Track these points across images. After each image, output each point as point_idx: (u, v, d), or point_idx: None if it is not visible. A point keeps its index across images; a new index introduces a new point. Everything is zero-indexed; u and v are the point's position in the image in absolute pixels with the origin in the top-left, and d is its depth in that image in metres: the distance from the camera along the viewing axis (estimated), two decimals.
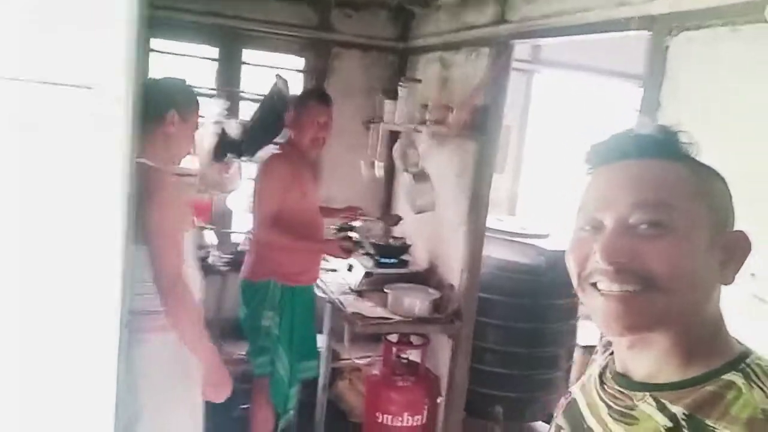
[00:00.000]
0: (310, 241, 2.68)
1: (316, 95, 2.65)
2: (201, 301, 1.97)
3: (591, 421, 0.76)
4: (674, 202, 0.66)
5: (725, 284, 0.69)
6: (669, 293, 0.65)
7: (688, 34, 1.63)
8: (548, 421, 3.70)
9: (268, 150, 2.78)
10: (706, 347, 0.68)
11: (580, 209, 0.73)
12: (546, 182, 4.40)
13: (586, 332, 3.59)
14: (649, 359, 0.70)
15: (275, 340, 2.60)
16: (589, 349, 3.74)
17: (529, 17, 2.39)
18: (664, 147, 0.69)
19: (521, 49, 3.04)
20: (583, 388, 0.82)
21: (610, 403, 0.73)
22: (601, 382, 0.78)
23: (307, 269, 2.72)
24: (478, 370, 2.98)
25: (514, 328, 3.18)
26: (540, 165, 4.30)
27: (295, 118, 2.58)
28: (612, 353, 0.78)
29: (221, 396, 1.90)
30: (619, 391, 0.73)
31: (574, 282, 0.72)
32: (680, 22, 1.65)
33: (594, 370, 0.82)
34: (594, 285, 0.69)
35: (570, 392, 0.86)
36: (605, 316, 0.68)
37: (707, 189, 0.69)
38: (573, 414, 0.81)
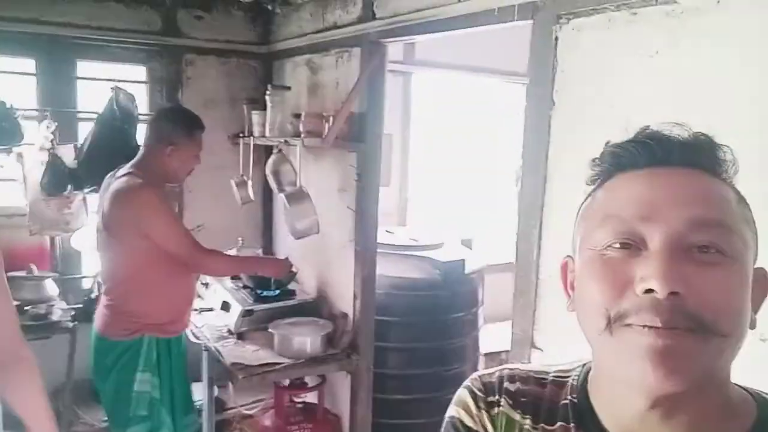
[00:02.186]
0: (253, 260, 2.51)
1: (198, 124, 2.23)
2: None
3: None
4: (731, 225, 0.55)
5: (751, 329, 0.56)
6: (722, 336, 0.53)
7: (579, 21, 1.46)
8: None
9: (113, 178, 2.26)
10: (731, 405, 0.59)
11: (602, 219, 0.57)
12: (434, 187, 4.25)
13: (488, 339, 3.47)
14: (674, 427, 0.56)
15: (155, 405, 2.17)
16: (492, 356, 3.64)
17: (399, 12, 2.16)
18: (710, 159, 0.58)
19: (395, 48, 2.82)
20: None
21: None
22: None
23: (181, 315, 2.32)
24: (381, 400, 2.71)
25: (415, 349, 2.96)
26: (426, 170, 4.14)
27: (176, 151, 2.15)
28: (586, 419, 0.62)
29: None
30: None
31: (597, 321, 0.55)
32: (568, 9, 1.47)
33: None
34: (627, 324, 0.53)
35: None
36: (646, 359, 0.52)
37: (750, 214, 0.59)
38: None
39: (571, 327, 1.54)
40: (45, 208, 2.70)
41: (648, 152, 0.58)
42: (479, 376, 0.71)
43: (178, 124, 2.17)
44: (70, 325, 2.67)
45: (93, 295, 2.77)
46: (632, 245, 0.55)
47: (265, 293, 2.62)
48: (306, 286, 2.82)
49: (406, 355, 2.95)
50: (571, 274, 0.63)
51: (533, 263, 1.59)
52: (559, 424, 0.63)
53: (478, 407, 0.68)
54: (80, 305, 2.80)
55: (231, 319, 2.55)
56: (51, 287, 2.79)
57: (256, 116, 2.79)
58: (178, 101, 2.95)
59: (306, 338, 2.34)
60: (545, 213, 1.56)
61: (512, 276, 4.25)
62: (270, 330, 2.38)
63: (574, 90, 1.49)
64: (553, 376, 0.68)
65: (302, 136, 2.43)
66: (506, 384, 0.69)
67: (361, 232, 2.40)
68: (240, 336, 2.49)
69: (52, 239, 2.93)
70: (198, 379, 2.70)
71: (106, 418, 2.35)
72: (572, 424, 0.63)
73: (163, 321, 2.17)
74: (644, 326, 0.52)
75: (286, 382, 2.49)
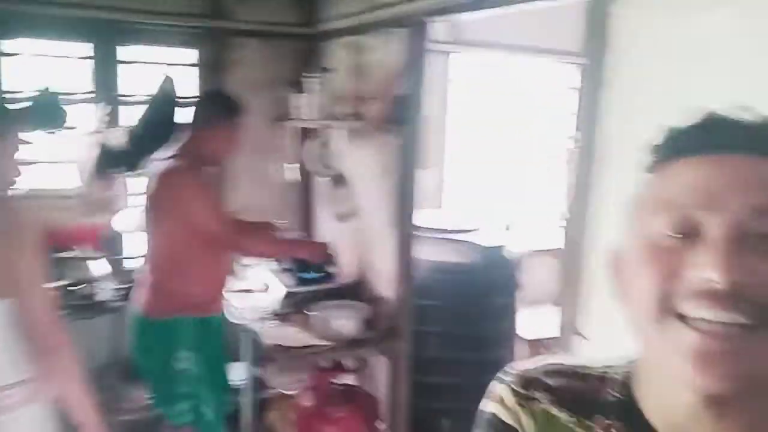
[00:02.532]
0: (291, 243, 2.52)
1: (237, 108, 2.25)
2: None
3: None
4: None
5: None
6: None
7: None
8: None
9: (158, 161, 2.32)
10: None
11: (659, 207, 0.55)
12: (471, 171, 4.19)
13: (528, 326, 3.42)
14: (730, 426, 0.53)
15: (196, 383, 2.24)
16: (535, 343, 3.59)
17: None
18: None
19: (439, 28, 2.77)
20: None
21: None
22: None
23: (218, 295, 2.39)
24: (419, 384, 2.70)
25: (454, 334, 2.94)
26: (464, 153, 4.07)
27: (216, 134, 2.20)
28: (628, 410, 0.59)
29: None
30: None
31: (648, 309, 0.53)
32: None
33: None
34: (681, 316, 0.51)
35: None
36: (694, 363, 0.50)
37: None
38: None
39: (619, 318, 1.50)
40: (94, 190, 2.77)
41: (710, 137, 0.55)
42: (517, 370, 0.69)
43: (218, 107, 2.21)
44: (118, 305, 2.76)
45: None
46: (689, 234, 0.52)
47: (305, 276, 2.64)
48: (346, 270, 2.82)
49: (445, 339, 2.94)
50: (623, 266, 0.59)
51: (582, 250, 1.55)
52: (596, 417, 0.61)
53: (515, 403, 0.67)
54: (126, 286, 2.88)
55: (272, 300, 2.58)
56: (99, 267, 2.87)
57: (299, 99, 2.79)
58: (222, 84, 2.97)
59: (345, 321, 2.35)
60: (596, 199, 1.51)
61: (551, 261, 4.15)
62: (309, 313, 2.40)
63: (628, 71, 1.43)
64: (595, 371, 0.65)
65: (344, 119, 2.42)
66: (545, 379, 0.67)
67: (401, 216, 2.38)
68: (281, 318, 2.52)
69: (101, 221, 3.00)
70: (236, 360, 2.75)
71: (150, 396, 2.43)
72: (612, 419, 0.60)
73: (202, 300, 2.22)
74: (700, 319, 0.49)
75: (325, 365, 2.51)
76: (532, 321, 3.50)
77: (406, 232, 2.38)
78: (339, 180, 2.32)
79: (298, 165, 2.93)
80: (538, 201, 4.45)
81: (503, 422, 0.67)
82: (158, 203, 2.17)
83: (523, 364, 0.70)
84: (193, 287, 2.21)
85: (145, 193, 2.32)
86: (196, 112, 2.25)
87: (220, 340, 2.36)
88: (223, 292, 2.41)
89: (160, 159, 2.23)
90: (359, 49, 2.72)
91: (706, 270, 0.49)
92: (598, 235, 1.52)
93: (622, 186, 1.45)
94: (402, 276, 2.39)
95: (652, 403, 0.58)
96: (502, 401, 0.68)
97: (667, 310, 0.51)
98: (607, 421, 0.61)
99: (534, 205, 4.44)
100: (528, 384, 0.67)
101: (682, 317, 0.51)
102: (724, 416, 0.53)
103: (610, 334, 1.49)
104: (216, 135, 2.18)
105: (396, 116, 2.34)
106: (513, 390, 0.67)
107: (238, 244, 2.26)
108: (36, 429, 1.45)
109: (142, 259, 2.39)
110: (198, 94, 3.06)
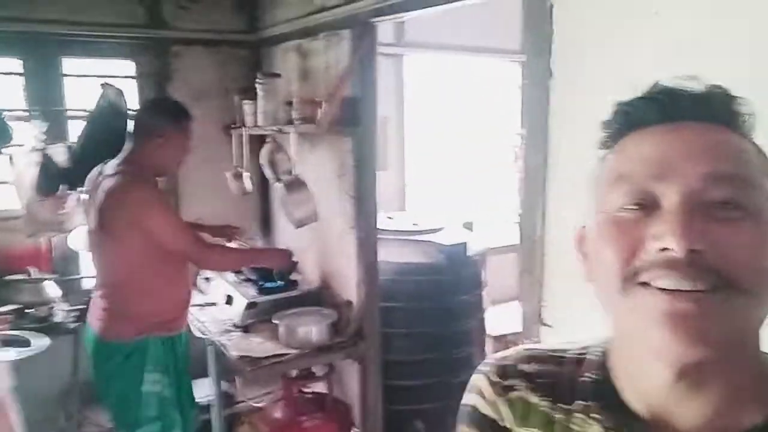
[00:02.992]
0: (254, 252, 2.53)
1: (184, 113, 2.16)
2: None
3: None
4: (751, 179, 0.52)
5: None
6: (748, 294, 0.49)
7: None
8: None
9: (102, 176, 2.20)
10: (760, 378, 0.55)
11: (614, 181, 0.55)
12: (431, 173, 4.20)
13: (495, 323, 3.44)
14: (706, 398, 0.53)
15: (165, 405, 2.14)
16: (499, 338, 3.61)
17: None
18: (725, 112, 0.55)
19: (385, 30, 2.76)
20: None
21: None
22: None
23: (183, 312, 2.30)
24: (389, 387, 2.69)
25: (422, 334, 2.93)
26: (423, 155, 4.08)
27: (165, 142, 2.10)
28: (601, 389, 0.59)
29: None
30: None
31: (612, 282, 0.53)
32: None
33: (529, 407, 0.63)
34: (644, 284, 0.51)
35: None
36: (665, 326, 0.49)
37: None
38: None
39: (581, 302, 1.50)
40: (40, 210, 2.66)
41: (659, 108, 0.55)
42: (494, 360, 0.68)
43: (164, 115, 2.12)
44: (73, 326, 2.65)
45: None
46: (646, 206, 0.52)
47: (268, 285, 2.59)
48: (308, 276, 2.78)
49: (413, 341, 2.93)
50: (587, 243, 0.59)
51: (538, 239, 1.56)
52: (577, 402, 0.60)
53: (493, 393, 0.65)
54: (82, 306, 2.77)
55: (235, 312, 2.52)
56: (51, 289, 2.76)
57: (247, 106, 2.74)
58: (167, 94, 2.90)
59: (311, 327, 2.31)
60: (548, 187, 1.52)
61: (514, 258, 4.21)
62: (274, 321, 2.35)
63: (573, 58, 1.44)
64: (571, 354, 0.65)
65: (295, 123, 2.38)
66: (522, 366, 0.66)
67: (362, 218, 2.36)
68: (245, 329, 2.47)
69: (50, 241, 2.89)
70: (202, 375, 2.68)
71: (113, 421, 2.32)
72: (591, 402, 0.59)
73: (168, 318, 2.13)
74: (661, 289, 0.49)
75: (294, 373, 2.46)
76: (499, 318, 3.53)
77: (367, 235, 2.36)
78: (295, 185, 2.27)
79: (249, 173, 2.87)
80: (496, 199, 4.50)
81: (482, 414, 0.66)
82: (112, 222, 2.04)
83: (501, 353, 0.69)
84: (157, 306, 2.11)
85: (86, 210, 2.21)
86: (140, 121, 2.16)
87: (185, 357, 2.28)
88: (188, 308, 2.33)
89: (106, 174, 2.11)
90: (305, 53, 2.69)
91: (664, 239, 0.49)
92: (553, 225, 1.53)
93: (574, 173, 1.47)
94: (366, 279, 2.36)
95: (626, 382, 0.58)
96: (480, 392, 0.67)
97: (631, 281, 0.51)
98: (584, 404, 0.60)
99: (492, 202, 4.49)
100: (505, 373, 0.66)
101: (644, 284, 0.50)
102: (699, 389, 0.53)
103: (575, 320, 1.50)
104: (164, 144, 2.09)
105: (347, 118, 2.31)
106: (490, 380, 0.66)
107: (203, 259, 2.18)
108: None
109: (93, 280, 2.29)
110: (140, 104, 2.98)
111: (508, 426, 0.65)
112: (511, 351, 0.69)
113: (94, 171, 2.20)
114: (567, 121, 1.47)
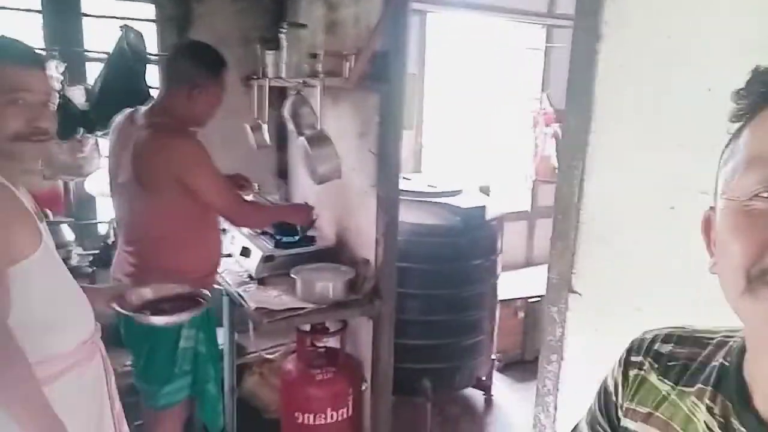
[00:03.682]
0: (281, 209, 2.48)
1: (222, 61, 2.05)
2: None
3: None
4: None
5: None
6: None
7: None
8: (479, 387, 3.46)
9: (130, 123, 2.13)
10: None
11: (748, 163, 0.47)
12: (449, 133, 4.15)
13: (506, 287, 3.46)
14: None
15: (200, 359, 2.12)
16: (508, 303, 3.64)
17: None
18: None
19: None
20: None
21: None
22: None
23: (217, 266, 2.26)
24: (399, 345, 2.72)
25: (434, 296, 2.96)
26: (442, 115, 4.03)
27: (201, 93, 2.00)
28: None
29: None
30: None
31: (737, 281, 0.47)
32: None
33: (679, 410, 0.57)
34: None
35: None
36: None
37: None
38: None
39: (614, 274, 1.48)
40: (57, 153, 2.63)
41: None
42: (642, 334, 0.66)
43: (202, 62, 2.01)
44: (89, 270, 2.66)
45: (110, 241, 2.74)
46: None
47: (285, 239, 2.58)
48: (325, 233, 2.77)
49: (425, 302, 2.95)
50: (713, 229, 0.53)
51: (575, 205, 1.54)
52: (697, 386, 0.57)
53: (619, 365, 0.64)
54: (97, 251, 2.77)
55: (251, 264, 2.52)
56: (67, 232, 2.75)
57: (270, 56, 2.67)
58: (194, 40, 2.82)
59: (329, 283, 2.32)
60: (589, 154, 1.49)
61: (524, 225, 4.20)
62: (292, 275, 2.36)
63: (626, 21, 1.39)
64: (720, 336, 0.60)
65: (321, 76, 2.33)
66: (658, 345, 0.63)
67: (384, 177, 2.33)
68: (260, 281, 2.47)
69: (66, 184, 2.87)
70: (218, 325, 2.70)
71: (128, 363, 2.31)
72: (711, 387, 0.56)
73: (204, 274, 2.09)
74: None
75: (308, 327, 2.48)
76: (509, 283, 3.55)
77: (388, 194, 2.34)
78: (319, 139, 2.24)
79: (267, 126, 2.83)
80: (513, 163, 4.47)
81: (605, 389, 0.65)
82: (149, 175, 1.94)
83: (653, 329, 0.66)
84: (193, 261, 2.05)
85: (111, 156, 2.13)
86: (174, 68, 2.04)
87: (215, 311, 2.26)
88: (220, 263, 2.29)
89: (138, 124, 2.01)
90: (333, 4, 2.62)
91: None
92: (592, 193, 1.51)
93: (618, 140, 1.45)
94: (385, 238, 2.35)
95: (758, 381, 0.53)
96: (614, 364, 0.65)
97: (760, 280, 0.46)
98: (702, 387, 0.56)
99: (509, 167, 4.46)
100: (639, 348, 0.64)
101: None
102: None
103: (605, 291, 1.50)
104: (201, 94, 1.99)
105: (376, 73, 2.26)
106: (624, 355, 0.65)
107: (240, 216, 2.15)
108: None
109: (117, 232, 2.24)
110: (161, 50, 2.91)
111: (619, 401, 0.63)
112: (661, 328, 0.65)
113: (120, 118, 2.11)
114: (614, 87, 1.43)
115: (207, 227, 2.12)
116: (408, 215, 2.75)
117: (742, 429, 0.51)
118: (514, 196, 4.35)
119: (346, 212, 2.64)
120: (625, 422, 0.62)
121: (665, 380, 0.60)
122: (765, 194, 0.46)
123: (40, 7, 2.68)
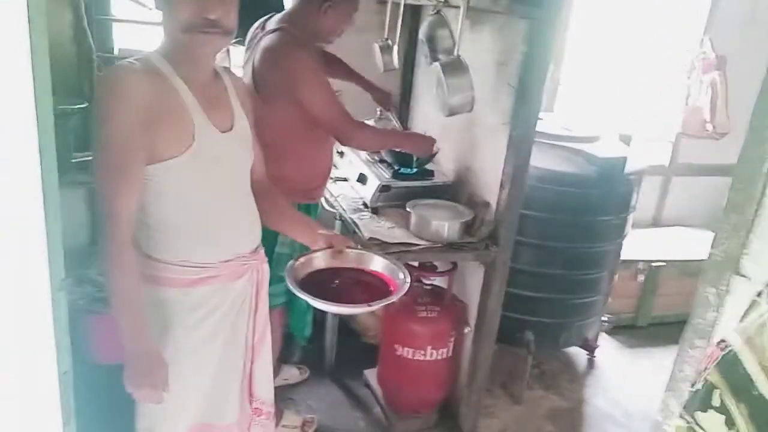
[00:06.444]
0: (398, 135, 2.44)
1: None
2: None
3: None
4: None
5: None
6: None
7: None
8: (584, 347, 3.26)
9: (262, 32, 2.12)
10: None
11: None
12: (590, 71, 3.76)
13: (630, 248, 3.17)
14: None
15: None
16: (628, 264, 3.36)
17: None
18: None
19: None
20: (750, 342, 0.65)
21: None
22: None
23: (322, 183, 2.30)
24: (507, 293, 2.59)
25: (551, 248, 2.77)
26: (583, 55, 3.63)
27: (332, 8, 2.02)
28: None
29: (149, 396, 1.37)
30: None
31: None
32: None
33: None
34: None
35: (724, 341, 0.67)
36: None
37: None
38: (734, 373, 0.66)
39: None
40: None
41: None
42: None
43: None
44: None
45: None
46: None
47: (402, 170, 2.47)
48: (444, 168, 2.63)
49: (541, 253, 2.78)
50: None
51: (761, 174, 1.28)
52: None
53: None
54: None
55: (367, 192, 2.45)
56: None
57: None
58: None
59: (445, 223, 2.20)
60: None
61: (659, 181, 3.80)
62: (408, 209, 2.26)
63: None
64: None
65: None
66: None
67: (521, 114, 2.12)
68: (374, 210, 2.41)
69: None
70: None
71: None
72: None
73: (310, 187, 2.13)
74: None
75: (416, 263, 2.40)
76: (634, 242, 3.25)
77: (523, 134, 2.13)
78: (456, 67, 2.05)
79: (397, 48, 2.66)
80: (657, 112, 4.00)
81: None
82: (264, 81, 2.00)
83: None
84: (301, 172, 2.11)
85: (245, 65, 2.18)
86: None
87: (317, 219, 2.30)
88: (327, 179, 2.33)
89: (267, 30, 2.04)
90: None
91: None
92: None
93: None
94: (512, 182, 2.17)
95: None
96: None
97: None
98: None
99: (653, 116, 4.00)
100: None
101: None
102: None
103: None
104: (332, 10, 2.00)
105: None
106: None
107: (348, 135, 2.11)
108: None
109: None
110: None
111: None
112: None
113: (256, 25, 2.12)
114: None
115: (314, 140, 2.11)
116: (536, 159, 2.52)
117: None
118: (652, 149, 3.92)
119: (470, 149, 2.47)
120: None
121: None
122: None
123: None
